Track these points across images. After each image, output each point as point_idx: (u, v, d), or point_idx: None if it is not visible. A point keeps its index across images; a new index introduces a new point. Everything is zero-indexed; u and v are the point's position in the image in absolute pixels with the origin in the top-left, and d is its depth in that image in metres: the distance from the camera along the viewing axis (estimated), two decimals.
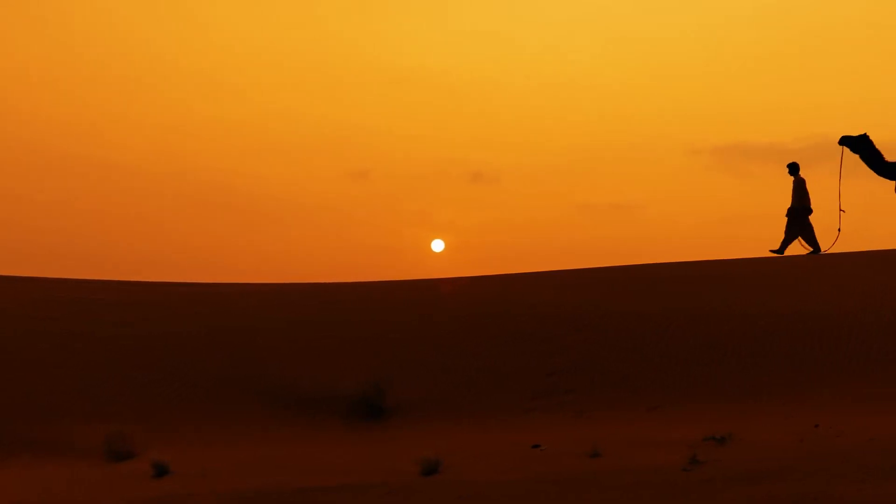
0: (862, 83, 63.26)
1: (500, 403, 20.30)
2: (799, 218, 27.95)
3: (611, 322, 22.71)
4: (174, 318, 24.92)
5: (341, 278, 33.12)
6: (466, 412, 20.08)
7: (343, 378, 21.32)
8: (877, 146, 27.41)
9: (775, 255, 27.74)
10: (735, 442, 15.78)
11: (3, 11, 60.90)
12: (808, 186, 28.25)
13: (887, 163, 27.38)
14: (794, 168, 28.15)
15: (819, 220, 27.78)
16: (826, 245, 27.83)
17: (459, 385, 21.06)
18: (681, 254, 28.88)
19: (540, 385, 20.77)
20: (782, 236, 28.11)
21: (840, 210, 27.54)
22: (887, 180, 27.55)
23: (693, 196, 59.72)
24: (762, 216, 55.38)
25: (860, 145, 27.38)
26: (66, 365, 22.58)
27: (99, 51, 63.01)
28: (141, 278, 34.16)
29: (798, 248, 28.18)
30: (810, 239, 27.96)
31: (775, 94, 64.04)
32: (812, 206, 27.93)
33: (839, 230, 27.74)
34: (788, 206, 28.25)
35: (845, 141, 27.52)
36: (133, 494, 15.44)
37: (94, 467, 18.02)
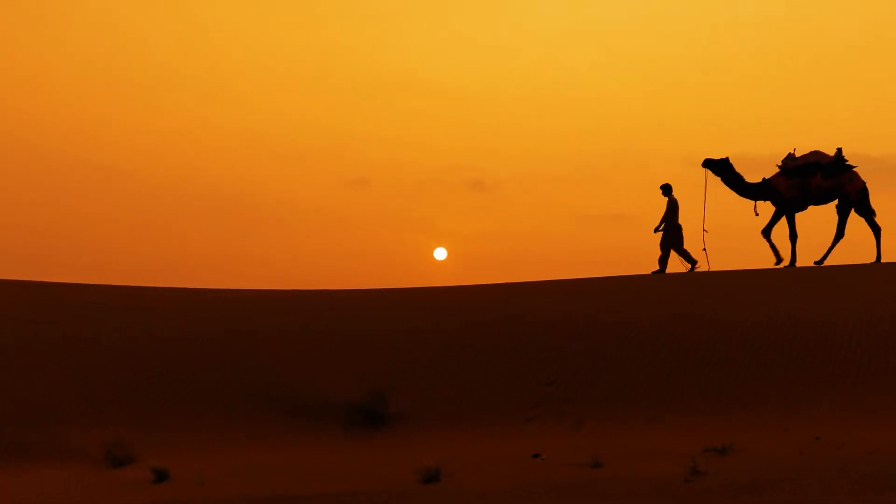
0: (860, 96, 63.26)
1: (500, 412, 20.30)
2: (672, 236, 28.50)
3: (610, 332, 22.71)
4: (175, 324, 24.91)
5: (342, 286, 33.11)
6: (466, 421, 20.08)
7: (343, 385, 21.31)
8: (737, 169, 28.35)
9: (657, 274, 28.39)
10: (735, 453, 15.78)
11: (28, 20, 61.03)
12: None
13: (747, 184, 28.34)
14: (667, 189, 28.65)
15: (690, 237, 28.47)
16: (703, 266, 28.39)
17: (459, 393, 21.05)
18: (680, 265, 28.81)
19: (540, 394, 20.77)
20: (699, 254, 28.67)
21: (703, 230, 28.30)
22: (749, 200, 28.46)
23: (692, 207, 59.61)
24: (761, 227, 55.09)
25: (722, 168, 28.38)
26: (65, 370, 22.57)
27: (102, 57, 62.99)
28: (142, 283, 34.16)
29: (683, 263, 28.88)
30: (686, 257, 28.49)
31: (773, 106, 64.02)
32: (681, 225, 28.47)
33: (704, 250, 28.36)
34: (660, 224, 28.64)
35: (708, 164, 28.49)
36: (132, 499, 15.44)
37: (93, 472, 18.02)
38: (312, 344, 23.23)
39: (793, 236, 28.13)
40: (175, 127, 61.64)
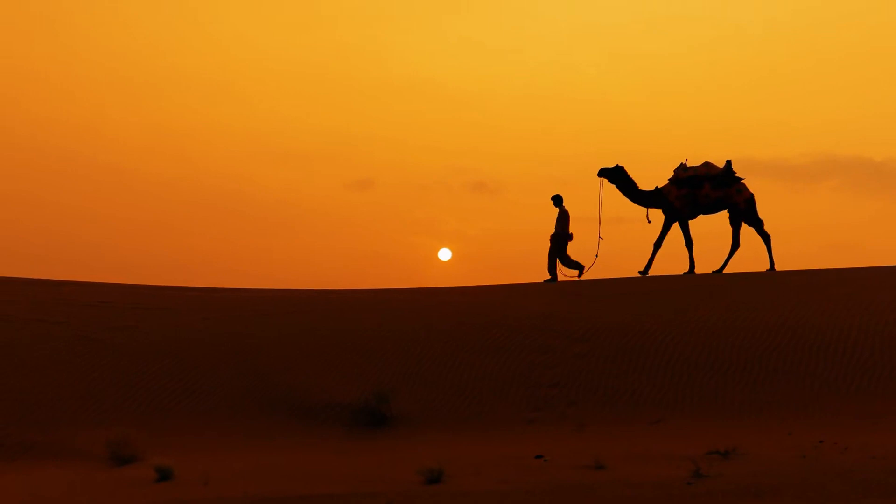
0: (865, 100, 63.34)
1: (502, 414, 20.31)
2: (559, 244, 29.13)
3: (613, 335, 22.72)
4: (181, 324, 24.94)
5: (347, 286, 33.17)
6: (469, 422, 20.08)
7: (346, 386, 21.33)
8: (631, 176, 29.26)
9: (549, 283, 29.02)
10: (738, 456, 15.78)
11: (37, 21, 61.11)
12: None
13: (640, 192, 29.22)
14: (557, 200, 29.29)
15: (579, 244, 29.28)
16: (587, 267, 29.27)
17: (462, 395, 21.06)
18: (683, 267, 28.93)
19: (542, 396, 20.78)
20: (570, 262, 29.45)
21: (599, 238, 29.13)
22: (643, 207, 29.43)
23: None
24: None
25: (617, 177, 29.22)
26: (72, 369, 22.60)
27: (108, 58, 63.14)
28: (149, 282, 34.25)
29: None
30: (572, 265, 29.21)
31: (779, 110, 64.12)
32: (573, 234, 29.31)
33: (597, 255, 29.15)
34: (552, 232, 29.34)
35: (604, 173, 29.30)
36: (135, 499, 15.45)
37: (97, 471, 18.04)
38: (317, 345, 23.24)
39: (688, 244, 29.04)
40: (184, 128, 61.82)
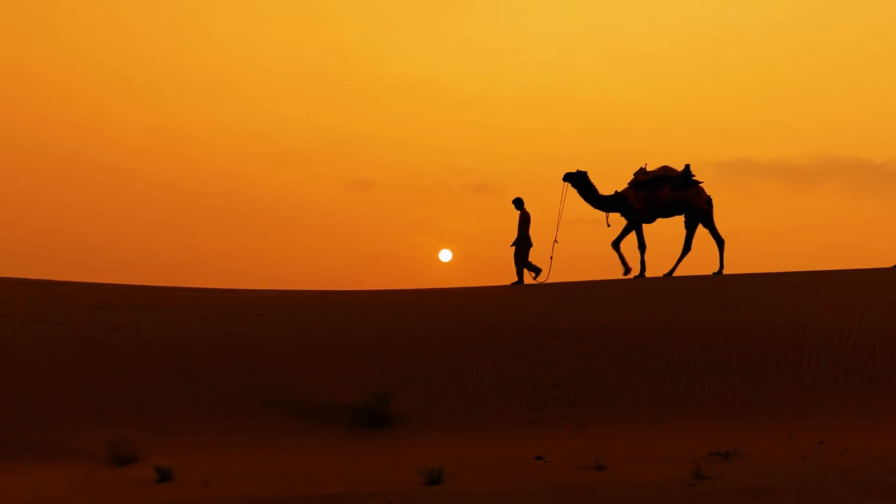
0: (865, 101, 63.33)
1: (502, 414, 20.30)
2: (522, 248, 29.41)
3: (613, 335, 22.72)
4: (180, 324, 24.94)
5: (347, 286, 33.19)
6: (469, 423, 20.08)
7: (347, 387, 21.33)
8: (592, 182, 29.71)
9: (516, 286, 29.20)
10: (739, 457, 15.78)
11: (42, 22, 61.15)
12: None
13: (600, 197, 29.67)
14: (519, 203, 29.50)
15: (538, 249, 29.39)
16: (543, 275, 29.48)
17: (462, 395, 21.06)
18: (684, 268, 29.03)
19: (542, 397, 20.77)
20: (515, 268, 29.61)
21: (555, 241, 29.43)
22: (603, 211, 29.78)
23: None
24: (765, 231, 55.36)
25: (579, 181, 29.69)
26: (71, 369, 22.59)
27: (108, 58, 63.13)
28: (148, 283, 34.26)
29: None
30: (530, 267, 29.47)
31: (779, 111, 64.12)
32: (532, 240, 29.48)
33: (552, 258, 29.38)
34: (514, 238, 29.58)
35: (568, 177, 29.73)
36: (135, 499, 15.45)
37: (97, 471, 18.03)
38: (317, 345, 23.24)
39: (641, 247, 29.36)
40: (184, 128, 61.81)
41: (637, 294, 26.22)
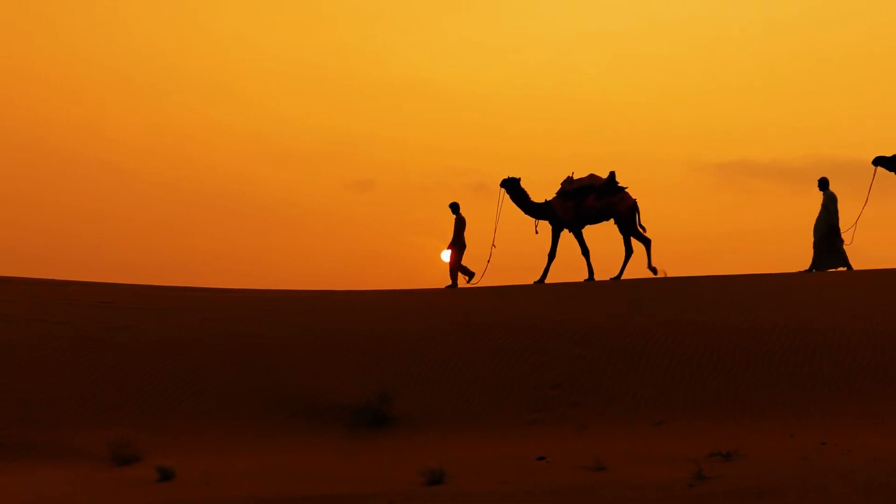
0: (865, 102, 63.32)
1: (503, 415, 20.30)
2: (461, 251, 30.30)
3: (614, 336, 22.71)
4: (183, 324, 24.93)
5: (348, 287, 33.24)
6: (470, 423, 20.08)
7: (348, 387, 21.32)
8: (524, 189, 30.38)
9: (450, 289, 29.85)
10: (741, 458, 15.77)
11: (43, 23, 61.20)
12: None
13: (531, 204, 30.31)
14: (455, 208, 30.39)
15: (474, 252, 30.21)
16: (476, 278, 30.34)
17: (463, 396, 21.05)
18: (684, 269, 29.12)
19: (543, 397, 20.77)
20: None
21: (493, 245, 30.36)
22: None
23: (696, 212, 59.77)
24: (764, 232, 55.32)
25: (512, 188, 30.40)
26: (72, 369, 22.59)
27: (108, 57, 63.16)
28: (151, 282, 34.26)
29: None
30: (464, 271, 30.31)
31: (778, 112, 64.11)
32: (466, 243, 30.43)
33: (489, 261, 30.33)
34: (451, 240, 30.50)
35: (504, 183, 30.38)
36: (136, 499, 15.46)
37: (99, 471, 18.04)
38: (318, 345, 23.24)
39: (584, 252, 29.91)
40: (184, 128, 61.83)
41: (638, 295, 26.22)
